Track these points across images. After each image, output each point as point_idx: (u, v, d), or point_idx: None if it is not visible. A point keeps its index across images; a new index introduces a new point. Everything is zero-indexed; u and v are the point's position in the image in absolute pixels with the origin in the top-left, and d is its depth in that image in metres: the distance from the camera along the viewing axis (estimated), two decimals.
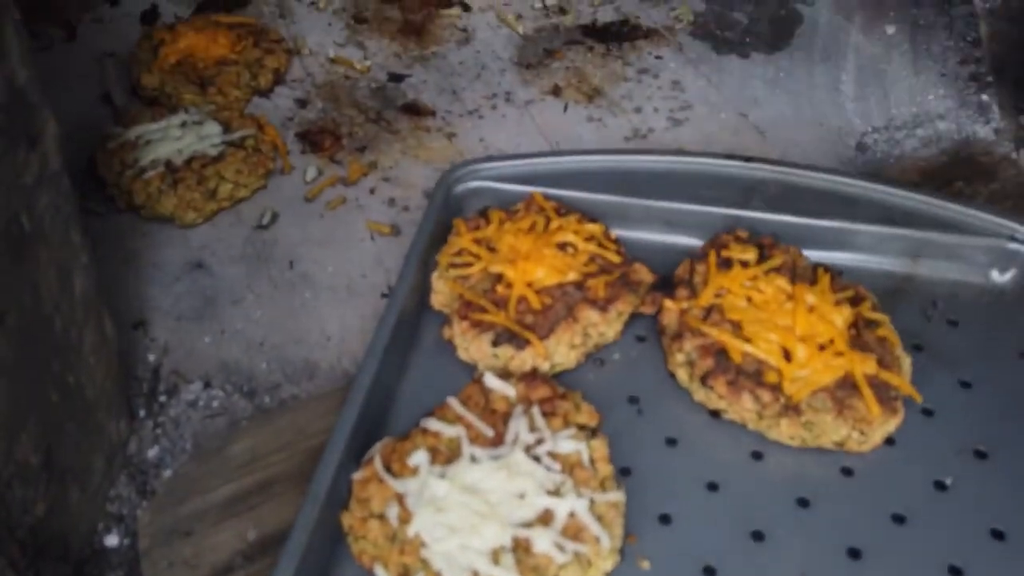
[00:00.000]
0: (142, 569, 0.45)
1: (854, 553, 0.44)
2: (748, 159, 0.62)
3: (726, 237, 0.56)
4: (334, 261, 0.66)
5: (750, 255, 0.54)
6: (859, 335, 0.50)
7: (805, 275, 0.54)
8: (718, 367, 0.49)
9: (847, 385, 0.48)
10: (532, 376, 0.48)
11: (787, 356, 0.49)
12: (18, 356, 0.39)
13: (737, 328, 0.50)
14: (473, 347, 0.51)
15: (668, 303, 0.53)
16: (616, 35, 0.87)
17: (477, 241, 0.56)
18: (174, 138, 0.69)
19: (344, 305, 0.63)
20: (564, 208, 0.59)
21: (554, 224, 0.57)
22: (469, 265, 0.55)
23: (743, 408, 0.48)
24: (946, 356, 0.53)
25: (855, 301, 0.52)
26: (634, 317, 0.56)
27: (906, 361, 0.51)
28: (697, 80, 0.82)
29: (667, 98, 0.80)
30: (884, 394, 0.48)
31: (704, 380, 0.49)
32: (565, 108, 0.79)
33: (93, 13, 0.90)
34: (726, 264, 0.54)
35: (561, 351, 0.51)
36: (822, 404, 0.47)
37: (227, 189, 0.68)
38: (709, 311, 0.51)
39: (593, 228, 0.58)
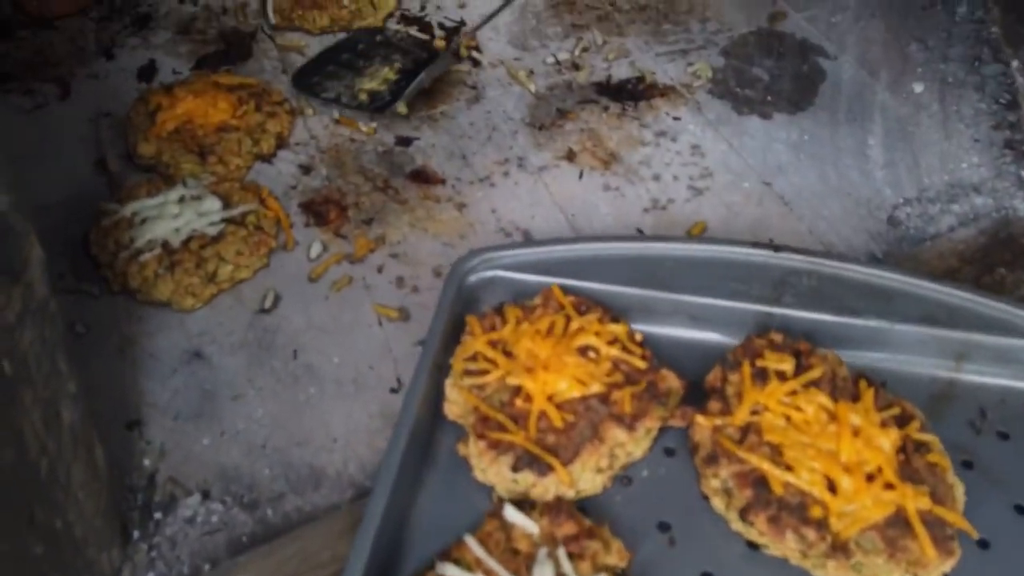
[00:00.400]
0: None
1: None
2: (776, 248, 0.58)
3: (759, 343, 0.53)
4: (340, 351, 0.62)
5: (787, 365, 0.50)
6: (908, 461, 0.46)
7: (846, 388, 0.50)
8: (758, 500, 0.45)
9: (899, 522, 0.44)
10: (557, 509, 0.45)
11: (832, 487, 0.45)
12: None
13: (776, 452, 0.47)
14: (491, 471, 0.47)
15: (700, 419, 0.49)
16: (631, 93, 0.83)
17: (493, 343, 0.52)
18: (171, 215, 0.66)
19: (351, 401, 0.59)
20: (584, 304, 0.56)
21: (574, 325, 0.54)
22: (485, 372, 0.51)
23: (786, 546, 0.45)
24: (999, 475, 0.50)
25: (902, 420, 0.49)
26: (663, 430, 0.52)
27: (959, 489, 0.47)
28: (718, 144, 0.78)
29: (687, 164, 0.77)
30: (939, 532, 0.44)
31: (743, 514, 0.45)
32: (580, 175, 0.76)
33: (88, 68, 0.86)
34: (761, 375, 0.50)
35: (587, 476, 0.48)
36: (872, 544, 0.44)
37: (227, 271, 0.65)
38: (746, 431, 0.48)
39: (616, 329, 0.54)
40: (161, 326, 0.64)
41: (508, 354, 0.52)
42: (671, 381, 0.52)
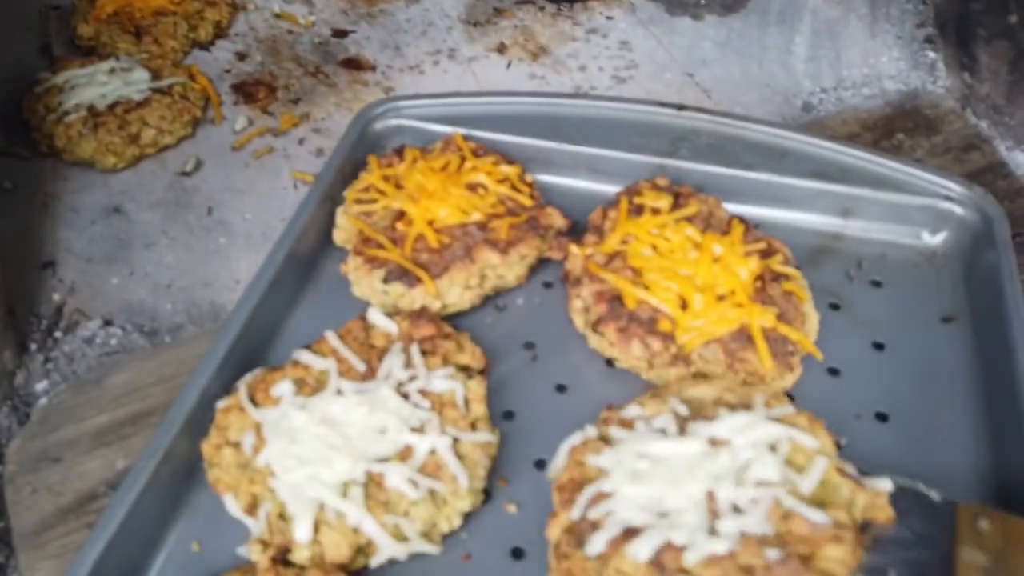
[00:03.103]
0: (5, 495, 0.43)
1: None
2: (680, 107, 0.60)
3: (642, 184, 0.54)
4: (253, 208, 0.64)
5: (663, 203, 0.52)
6: (764, 288, 0.48)
7: (719, 227, 0.51)
8: (610, 313, 0.47)
9: (743, 338, 0.46)
10: (418, 314, 0.46)
11: (684, 306, 0.47)
12: None
13: (637, 275, 0.48)
14: (364, 283, 0.49)
15: (574, 248, 0.51)
16: None
17: (387, 178, 0.54)
18: (100, 83, 0.68)
19: (258, 251, 0.61)
20: (483, 150, 0.58)
21: (468, 164, 0.56)
22: (374, 202, 0.53)
23: (632, 356, 0.46)
24: (863, 317, 0.51)
25: (767, 254, 0.50)
26: (544, 263, 0.54)
27: (813, 318, 0.49)
28: (646, 40, 0.80)
29: (613, 58, 0.78)
30: (781, 349, 0.46)
31: (596, 326, 0.47)
32: (508, 65, 0.78)
33: None
34: (638, 211, 0.52)
35: (455, 292, 0.49)
36: (714, 355, 0.45)
37: (150, 135, 0.67)
38: (612, 257, 0.50)
39: (508, 170, 0.56)
40: (85, 184, 0.66)
41: (400, 187, 0.54)
42: (554, 218, 0.54)
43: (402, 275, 0.49)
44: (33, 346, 0.54)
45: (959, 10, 0.66)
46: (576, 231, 0.54)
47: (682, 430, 0.39)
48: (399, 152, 0.57)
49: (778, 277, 0.49)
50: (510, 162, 0.57)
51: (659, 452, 0.38)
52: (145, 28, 0.75)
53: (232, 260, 0.61)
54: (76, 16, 0.77)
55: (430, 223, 0.52)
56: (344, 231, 0.53)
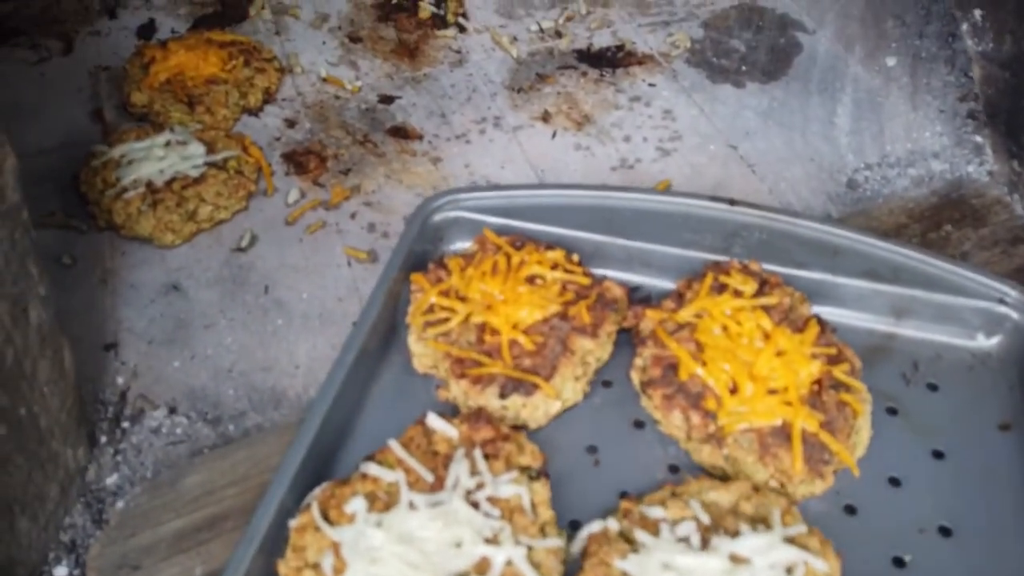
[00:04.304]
0: None
1: None
2: (732, 202, 0.60)
3: (733, 264, 0.55)
4: (309, 287, 0.66)
5: (748, 287, 0.53)
6: (820, 393, 0.49)
7: (797, 322, 0.52)
8: (662, 379, 0.49)
9: (782, 435, 0.47)
10: (476, 417, 0.47)
11: (735, 390, 0.48)
12: None
13: (699, 350, 0.50)
14: (480, 404, 0.50)
15: (649, 312, 0.53)
16: (611, 61, 0.86)
17: (444, 293, 0.55)
18: (157, 158, 0.70)
19: (316, 333, 0.62)
20: (519, 240, 0.59)
21: (515, 259, 0.57)
22: (446, 320, 0.54)
23: (672, 423, 0.48)
24: (922, 423, 0.51)
25: (835, 360, 0.51)
26: (619, 331, 0.56)
27: (865, 433, 0.49)
28: (689, 109, 0.81)
29: (657, 128, 0.79)
30: (817, 455, 0.47)
31: (645, 387, 0.49)
32: (554, 135, 0.78)
33: (92, 26, 0.90)
34: (721, 290, 0.53)
35: (568, 387, 0.51)
36: (748, 444, 0.47)
37: (207, 211, 0.68)
38: (682, 327, 0.51)
39: (555, 255, 0.57)
40: (142, 260, 0.67)
41: (462, 299, 0.55)
42: (615, 290, 0.56)
43: (517, 386, 0.50)
44: (103, 438, 0.55)
45: (1012, 105, 0.66)
46: (635, 299, 0.57)
47: (705, 542, 0.42)
48: (442, 264, 0.57)
49: (838, 385, 0.50)
50: (550, 246, 0.58)
51: (685, 565, 0.41)
52: (198, 98, 0.76)
53: (290, 343, 0.62)
54: (129, 83, 0.78)
55: (515, 327, 0.52)
56: (427, 357, 0.54)
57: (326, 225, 0.70)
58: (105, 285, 0.66)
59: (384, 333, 0.55)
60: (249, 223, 0.70)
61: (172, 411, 0.57)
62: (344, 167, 0.75)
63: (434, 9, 0.92)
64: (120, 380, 0.59)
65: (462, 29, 0.90)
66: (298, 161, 0.75)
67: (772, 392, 0.47)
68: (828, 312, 0.57)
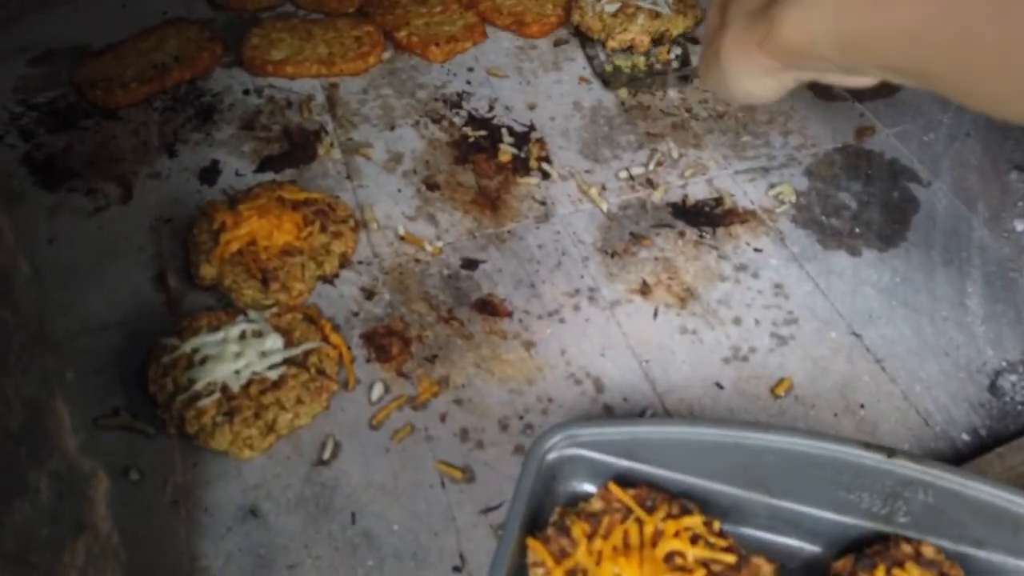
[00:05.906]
0: None
1: None
2: (891, 452, 0.53)
3: (907, 550, 0.48)
4: (400, 515, 0.59)
5: None
6: None
7: None
8: None
9: None
10: None
11: None
12: None
13: None
14: None
15: None
16: (709, 218, 0.79)
17: (571, 573, 0.48)
18: (232, 355, 0.64)
19: None
20: (650, 497, 0.52)
21: (648, 528, 0.50)
22: None
23: None
24: None
25: None
26: None
27: None
28: (802, 284, 0.74)
29: (769, 307, 0.72)
30: None
31: None
32: (655, 314, 0.72)
33: (150, 166, 0.85)
34: None
35: None
36: None
37: (286, 420, 0.62)
38: None
39: (693, 523, 0.51)
40: (217, 475, 0.61)
41: None
42: (765, 569, 0.49)
43: None
44: None
45: None
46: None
47: None
48: (564, 528, 0.51)
49: None
50: (683, 507, 0.51)
51: None
52: (272, 272, 0.70)
53: None
54: (196, 253, 0.72)
55: None
56: None
57: (414, 431, 0.64)
58: (176, 508, 0.60)
59: None
60: (331, 427, 0.64)
61: None
62: (430, 352, 0.69)
63: (514, 151, 0.86)
64: None
65: (545, 175, 0.84)
66: (379, 344, 0.69)
67: None
68: None
